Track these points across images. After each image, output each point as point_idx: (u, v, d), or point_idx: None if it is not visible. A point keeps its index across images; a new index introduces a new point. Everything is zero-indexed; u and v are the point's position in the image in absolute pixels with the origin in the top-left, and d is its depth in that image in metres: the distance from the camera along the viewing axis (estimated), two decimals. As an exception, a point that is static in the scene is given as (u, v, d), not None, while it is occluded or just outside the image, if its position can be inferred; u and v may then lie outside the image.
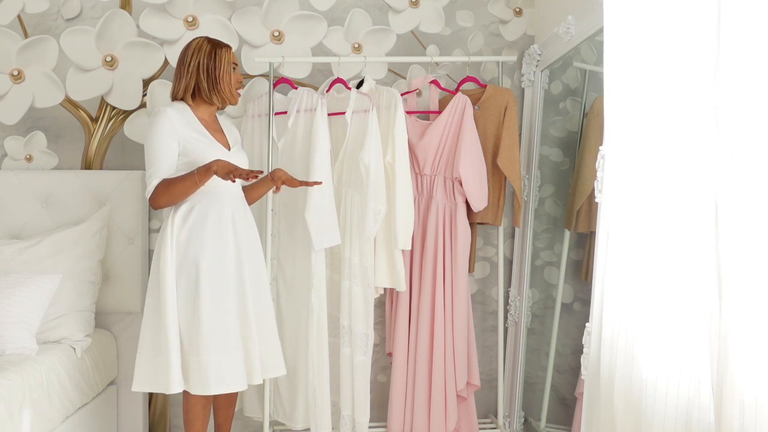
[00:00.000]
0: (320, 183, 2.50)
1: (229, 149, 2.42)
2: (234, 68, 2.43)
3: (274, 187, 2.50)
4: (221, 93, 2.40)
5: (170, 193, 2.25)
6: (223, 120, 2.55)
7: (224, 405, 2.56)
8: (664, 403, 1.52)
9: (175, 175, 2.27)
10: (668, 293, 1.54)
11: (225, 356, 2.24)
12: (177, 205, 2.32)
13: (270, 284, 2.68)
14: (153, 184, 2.26)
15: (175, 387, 2.20)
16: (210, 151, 2.32)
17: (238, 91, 2.46)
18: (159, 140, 2.27)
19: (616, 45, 1.75)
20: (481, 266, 3.16)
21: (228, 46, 2.44)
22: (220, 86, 2.38)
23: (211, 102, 2.41)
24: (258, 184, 2.53)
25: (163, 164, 2.27)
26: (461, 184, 2.77)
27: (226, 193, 2.36)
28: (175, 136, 2.28)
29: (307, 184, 2.46)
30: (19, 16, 2.92)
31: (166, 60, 2.91)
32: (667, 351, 1.53)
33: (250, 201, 2.53)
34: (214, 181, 2.30)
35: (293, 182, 2.46)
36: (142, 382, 2.28)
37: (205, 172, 2.22)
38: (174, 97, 2.41)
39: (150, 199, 2.28)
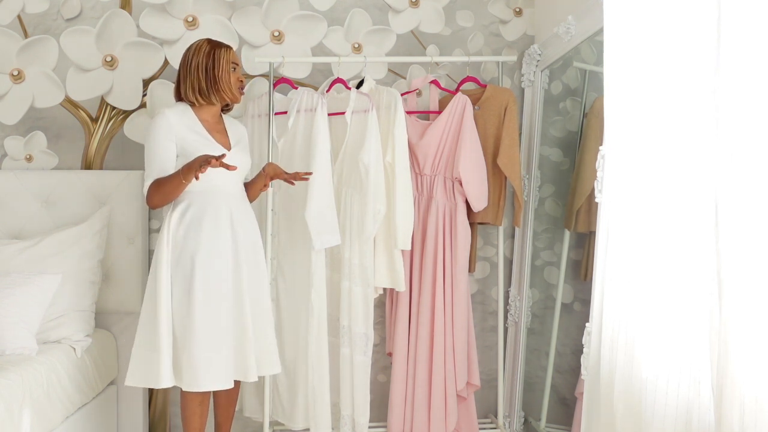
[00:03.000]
0: (309, 175, 2.49)
1: (229, 149, 2.42)
2: (234, 68, 2.44)
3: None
4: (221, 93, 2.41)
5: (161, 192, 2.30)
6: (228, 120, 2.55)
7: (224, 404, 2.56)
8: (664, 403, 1.52)
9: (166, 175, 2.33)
10: (668, 293, 1.54)
11: (216, 354, 2.26)
12: (174, 205, 2.36)
13: (270, 284, 2.69)
14: (146, 184, 2.34)
15: (165, 382, 2.24)
16: (208, 151, 2.33)
17: (241, 90, 2.47)
18: (156, 141, 2.33)
19: (616, 45, 1.75)
20: (481, 266, 3.16)
21: (228, 47, 2.45)
22: (219, 86, 2.40)
23: (211, 102, 2.42)
24: (254, 180, 2.56)
25: (159, 165, 2.32)
26: (461, 184, 2.77)
27: (222, 192, 2.37)
28: (172, 137, 2.33)
29: (294, 177, 2.46)
30: (19, 16, 2.92)
31: (166, 60, 2.91)
32: (667, 351, 1.53)
33: (250, 198, 2.54)
34: (211, 181, 2.33)
35: (281, 175, 2.49)
36: (136, 377, 2.31)
37: (187, 170, 2.24)
38: (177, 99, 2.45)
39: (146, 198, 2.35)
